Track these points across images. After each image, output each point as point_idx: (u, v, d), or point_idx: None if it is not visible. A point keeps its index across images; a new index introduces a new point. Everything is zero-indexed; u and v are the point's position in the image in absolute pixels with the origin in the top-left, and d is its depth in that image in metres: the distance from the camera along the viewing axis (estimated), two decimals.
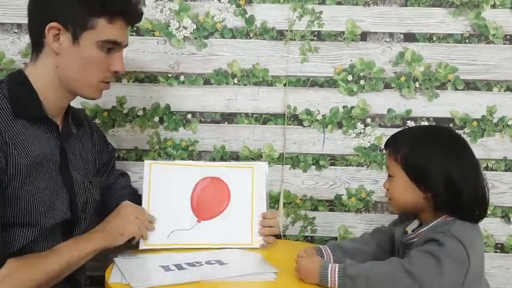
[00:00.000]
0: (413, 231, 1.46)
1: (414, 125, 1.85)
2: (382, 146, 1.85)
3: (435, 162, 1.40)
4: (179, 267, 1.45)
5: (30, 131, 1.38)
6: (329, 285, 1.35)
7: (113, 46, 1.44)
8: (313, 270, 1.38)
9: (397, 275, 1.32)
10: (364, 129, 1.86)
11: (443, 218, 1.41)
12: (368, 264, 1.37)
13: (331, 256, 1.50)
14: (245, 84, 1.86)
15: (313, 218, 1.89)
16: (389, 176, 1.48)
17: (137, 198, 1.70)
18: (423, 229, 1.43)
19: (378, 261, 1.39)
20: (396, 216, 1.61)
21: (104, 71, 1.45)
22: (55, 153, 1.44)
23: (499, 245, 1.88)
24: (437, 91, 1.85)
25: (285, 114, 1.86)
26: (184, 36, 1.84)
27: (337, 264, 1.37)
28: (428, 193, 1.41)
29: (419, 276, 1.30)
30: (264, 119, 1.87)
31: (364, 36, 1.84)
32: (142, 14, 1.52)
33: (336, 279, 1.34)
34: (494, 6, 1.82)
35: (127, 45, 1.50)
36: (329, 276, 1.35)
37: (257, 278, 1.41)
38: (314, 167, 1.88)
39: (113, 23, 1.42)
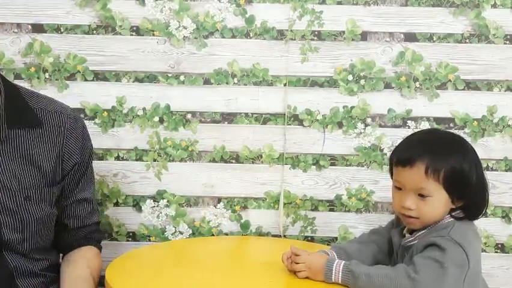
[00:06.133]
0: (411, 233, 1.46)
1: (414, 125, 1.84)
2: (382, 146, 1.85)
3: (472, 170, 1.41)
4: None
5: None
6: (333, 280, 1.37)
7: None
8: (319, 265, 1.39)
9: (400, 281, 1.32)
10: (364, 129, 1.86)
11: (441, 219, 1.42)
12: (374, 266, 1.39)
13: (336, 257, 1.50)
14: (245, 84, 1.85)
15: (314, 218, 1.89)
16: (422, 195, 1.40)
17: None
18: (421, 232, 1.43)
19: (384, 266, 1.40)
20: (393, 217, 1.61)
21: None
22: None
23: (499, 245, 1.88)
24: (438, 91, 1.84)
25: (285, 114, 1.86)
26: (184, 36, 1.84)
27: (342, 261, 1.39)
28: (459, 203, 1.41)
29: (423, 283, 1.31)
30: (264, 119, 1.87)
31: (364, 36, 1.84)
32: None
33: (340, 274, 1.36)
34: (494, 6, 1.82)
35: None
36: (334, 270, 1.37)
37: None
38: (314, 167, 1.87)
39: None
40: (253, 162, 1.87)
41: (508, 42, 1.83)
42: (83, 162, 1.52)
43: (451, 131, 1.77)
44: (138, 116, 1.86)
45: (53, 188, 1.45)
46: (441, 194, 1.39)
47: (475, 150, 1.47)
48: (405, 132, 1.79)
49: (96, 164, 1.84)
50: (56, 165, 1.45)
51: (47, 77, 1.83)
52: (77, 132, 1.51)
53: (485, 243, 1.86)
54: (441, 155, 1.40)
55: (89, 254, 1.56)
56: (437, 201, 1.40)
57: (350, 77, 1.84)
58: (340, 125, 1.86)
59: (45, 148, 1.44)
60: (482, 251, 1.70)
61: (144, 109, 1.86)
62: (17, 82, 1.75)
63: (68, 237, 1.56)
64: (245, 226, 1.89)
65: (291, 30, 1.84)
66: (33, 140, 1.42)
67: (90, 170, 1.58)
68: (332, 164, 1.87)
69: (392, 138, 1.84)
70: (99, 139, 1.85)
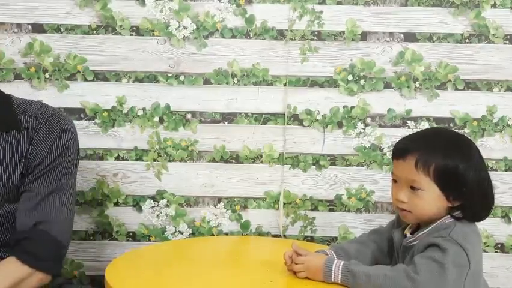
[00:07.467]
0: (412, 234, 1.46)
1: (414, 125, 1.85)
2: (382, 146, 1.86)
3: (470, 170, 1.39)
4: None
5: None
6: (332, 280, 1.38)
7: None
8: (318, 265, 1.39)
9: (400, 281, 1.32)
10: (364, 129, 1.86)
11: (442, 220, 1.42)
12: (373, 266, 1.39)
13: (335, 257, 1.50)
14: (245, 84, 1.86)
15: (314, 218, 1.89)
16: (414, 188, 1.40)
17: None
18: (423, 232, 1.43)
19: (384, 265, 1.40)
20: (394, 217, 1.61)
21: None
22: None
23: (499, 245, 1.88)
24: (437, 91, 1.85)
25: (285, 114, 1.86)
26: (184, 36, 1.84)
27: (342, 261, 1.39)
28: (456, 202, 1.40)
29: (423, 284, 1.31)
30: (264, 119, 1.87)
31: (364, 36, 1.84)
32: None
33: (339, 274, 1.37)
34: (494, 6, 1.82)
35: None
36: (333, 270, 1.37)
37: None
38: (314, 167, 1.88)
39: None
40: (253, 162, 1.88)
41: (507, 42, 1.83)
42: (47, 162, 1.46)
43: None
44: (138, 116, 1.86)
45: (19, 188, 1.45)
46: (432, 189, 1.39)
47: (479, 153, 1.45)
48: (405, 132, 1.79)
49: (96, 164, 1.85)
50: (23, 167, 1.44)
51: (47, 77, 1.84)
52: (48, 132, 1.46)
53: (485, 243, 1.86)
54: (435, 150, 1.40)
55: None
56: (429, 196, 1.39)
57: (350, 77, 1.85)
58: (340, 125, 1.86)
59: (17, 150, 1.44)
60: (482, 251, 1.70)
61: (144, 109, 1.86)
62: (17, 82, 1.77)
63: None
64: (245, 226, 1.89)
65: (291, 30, 1.84)
66: (8, 143, 1.43)
67: (55, 171, 1.47)
68: (332, 164, 1.87)
69: (392, 138, 1.84)
70: (99, 139, 1.85)
